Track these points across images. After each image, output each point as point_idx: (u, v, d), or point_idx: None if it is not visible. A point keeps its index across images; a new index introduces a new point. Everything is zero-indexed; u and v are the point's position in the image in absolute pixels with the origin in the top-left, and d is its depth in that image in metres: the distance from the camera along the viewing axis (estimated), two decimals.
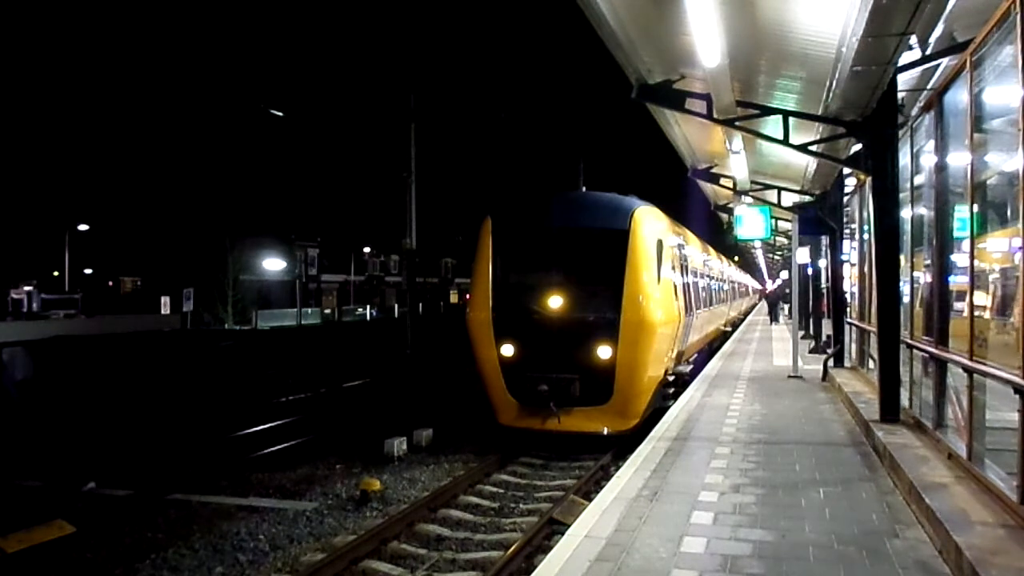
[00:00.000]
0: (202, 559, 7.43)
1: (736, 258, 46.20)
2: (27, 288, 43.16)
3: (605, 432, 10.92)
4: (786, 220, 19.35)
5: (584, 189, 22.53)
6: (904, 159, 8.59)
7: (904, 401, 8.44)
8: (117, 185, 56.08)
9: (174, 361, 25.68)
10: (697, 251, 17.98)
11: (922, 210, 8.11)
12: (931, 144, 7.38)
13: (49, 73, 79.48)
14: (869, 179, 9.00)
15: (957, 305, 6.77)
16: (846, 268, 15.49)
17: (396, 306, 59.51)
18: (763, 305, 46.04)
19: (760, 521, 5.55)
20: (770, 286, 52.76)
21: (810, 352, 17.95)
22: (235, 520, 8.59)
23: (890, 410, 8.32)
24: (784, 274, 39.99)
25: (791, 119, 9.58)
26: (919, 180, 8.28)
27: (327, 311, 54.57)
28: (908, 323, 8.60)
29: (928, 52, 7.67)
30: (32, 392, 20.89)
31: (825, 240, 17.37)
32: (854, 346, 14.13)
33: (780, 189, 16.86)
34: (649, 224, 11.60)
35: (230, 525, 8.39)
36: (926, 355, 7.43)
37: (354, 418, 15.47)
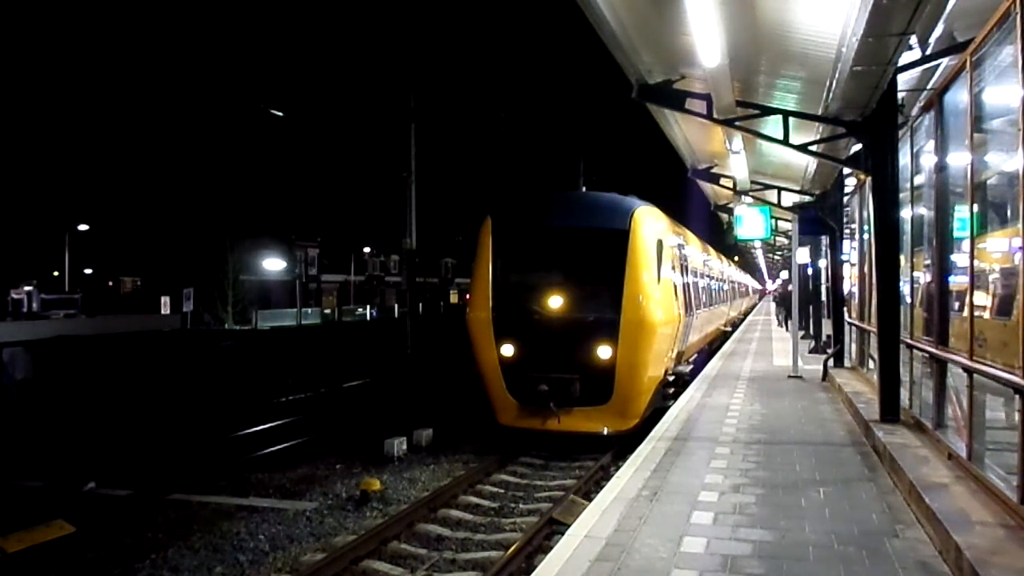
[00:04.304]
0: (202, 559, 7.43)
1: (736, 258, 46.19)
2: (27, 288, 43.11)
3: (605, 432, 10.91)
4: (786, 220, 19.35)
5: (584, 189, 22.49)
6: (904, 159, 8.59)
7: (904, 401, 8.44)
8: (117, 185, 56.12)
9: (174, 361, 25.66)
10: (697, 251, 17.97)
11: (922, 210, 8.11)
12: (931, 144, 7.38)
13: (49, 73, 79.49)
14: (869, 179, 9.00)
15: (957, 305, 6.77)
16: (846, 268, 15.50)
17: (396, 306, 59.47)
18: (762, 305, 45.82)
19: (760, 521, 5.55)
20: (771, 285, 52.41)
21: (810, 352, 17.94)
22: (235, 520, 8.59)
23: (890, 410, 8.32)
24: (784, 274, 39.97)
25: (791, 119, 9.59)
26: (919, 180, 8.28)
27: (327, 311, 54.52)
28: (908, 323, 8.60)
29: (928, 52, 7.67)
30: (32, 392, 20.88)
31: (825, 240, 17.38)
32: (854, 346, 14.12)
33: (780, 189, 16.87)
34: (649, 224, 11.60)
35: (230, 525, 8.39)
36: (926, 355, 7.43)
37: (354, 418, 15.47)
